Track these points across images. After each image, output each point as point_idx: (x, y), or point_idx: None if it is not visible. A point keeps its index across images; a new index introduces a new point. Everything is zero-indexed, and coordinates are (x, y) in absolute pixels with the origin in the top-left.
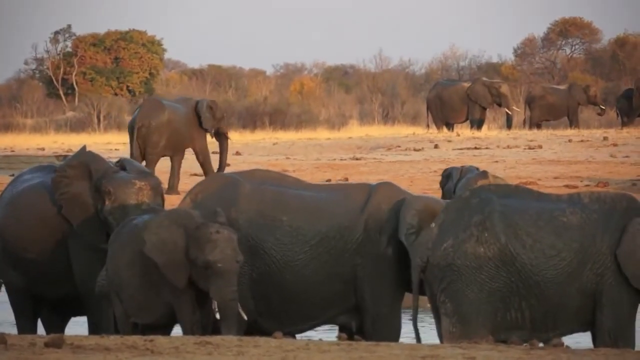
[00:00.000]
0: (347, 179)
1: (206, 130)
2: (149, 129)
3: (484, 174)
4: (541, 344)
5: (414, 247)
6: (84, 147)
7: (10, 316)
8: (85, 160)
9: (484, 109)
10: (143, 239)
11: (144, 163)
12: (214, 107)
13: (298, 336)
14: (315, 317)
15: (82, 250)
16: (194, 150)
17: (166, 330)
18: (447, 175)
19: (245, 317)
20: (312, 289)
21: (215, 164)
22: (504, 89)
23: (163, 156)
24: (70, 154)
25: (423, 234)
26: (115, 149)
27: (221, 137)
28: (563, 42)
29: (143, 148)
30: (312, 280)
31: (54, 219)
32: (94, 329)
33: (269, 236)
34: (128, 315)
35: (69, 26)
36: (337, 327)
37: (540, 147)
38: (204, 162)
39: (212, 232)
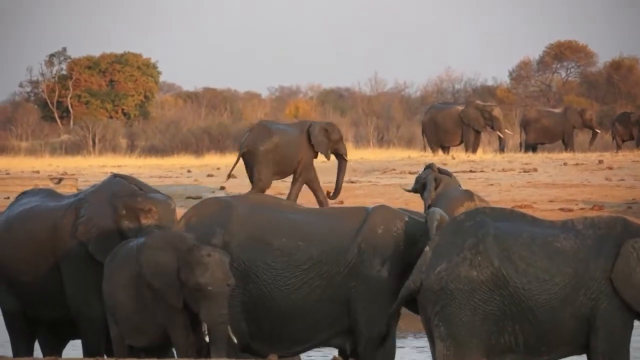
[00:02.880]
0: (342, 202)
1: (318, 153)
2: (254, 154)
3: (470, 195)
4: None
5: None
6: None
7: (7, 337)
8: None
9: (478, 132)
10: (139, 261)
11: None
12: (329, 129)
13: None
14: (307, 340)
15: (74, 272)
16: (295, 170)
17: (162, 352)
18: (423, 185)
19: (236, 340)
20: (303, 312)
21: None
22: (497, 112)
23: (273, 180)
24: (65, 177)
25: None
26: (111, 172)
27: (339, 158)
28: (558, 66)
29: (250, 173)
30: (303, 304)
31: (48, 241)
32: (88, 351)
33: (261, 260)
34: (123, 338)
35: (64, 49)
36: (335, 349)
37: (535, 170)
38: (295, 184)
39: (204, 255)
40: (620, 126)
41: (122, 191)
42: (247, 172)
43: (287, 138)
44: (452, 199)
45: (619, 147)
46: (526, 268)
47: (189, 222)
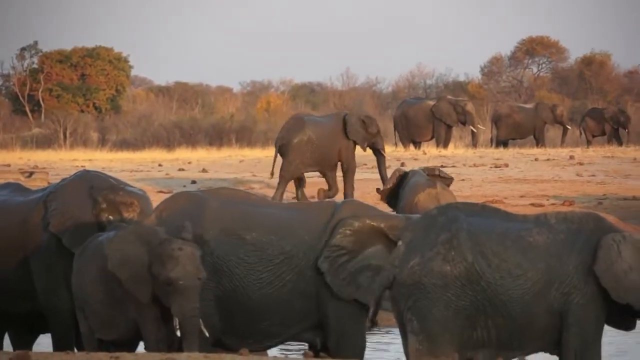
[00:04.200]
0: (313, 197)
1: (356, 144)
2: (287, 146)
3: (431, 182)
4: None
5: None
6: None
7: None
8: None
9: (450, 127)
10: (107, 255)
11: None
12: (367, 121)
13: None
14: (279, 335)
15: (44, 267)
16: (341, 162)
17: (131, 346)
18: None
19: (207, 334)
20: (275, 307)
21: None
22: (469, 107)
23: (306, 172)
24: (36, 170)
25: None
26: (82, 166)
27: (376, 153)
28: (530, 61)
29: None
30: (275, 299)
31: (17, 236)
32: (58, 345)
33: (234, 254)
34: (93, 332)
35: (36, 42)
36: (305, 344)
37: (506, 165)
38: (346, 177)
39: (175, 249)
40: (592, 121)
41: (101, 184)
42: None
43: (321, 130)
44: (414, 186)
45: (588, 143)
46: (499, 263)
47: (161, 216)
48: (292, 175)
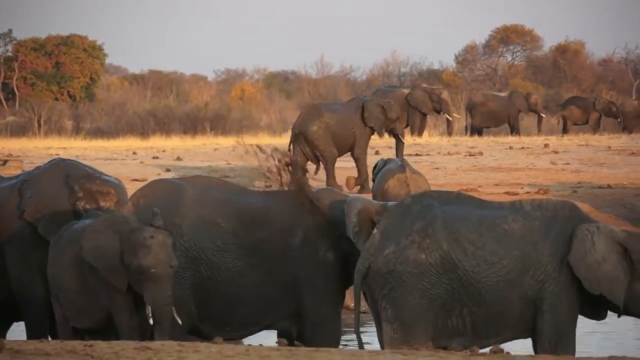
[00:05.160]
0: (287, 186)
1: (374, 130)
2: (306, 135)
3: (402, 168)
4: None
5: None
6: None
7: None
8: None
9: (424, 115)
10: (81, 244)
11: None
12: (386, 107)
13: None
14: (255, 323)
15: (18, 254)
16: (352, 148)
17: (106, 334)
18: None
19: (180, 322)
20: (252, 295)
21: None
22: (445, 95)
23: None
24: (10, 158)
25: (367, 241)
26: (56, 154)
27: (396, 139)
28: (504, 49)
29: (312, 154)
30: (252, 287)
31: None
32: (31, 333)
33: (210, 242)
34: (68, 320)
35: (10, 31)
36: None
37: (480, 154)
38: (358, 163)
39: (146, 237)
40: (577, 110)
41: (78, 173)
42: (299, 154)
43: (338, 117)
44: (385, 172)
45: (566, 131)
46: (474, 251)
47: (137, 204)
48: (335, 158)
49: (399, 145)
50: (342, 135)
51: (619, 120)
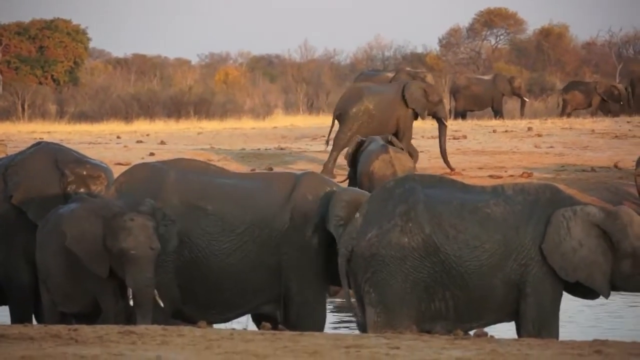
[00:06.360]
0: (271, 169)
1: (416, 114)
2: (344, 116)
3: (384, 148)
4: (465, 334)
5: (343, 238)
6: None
7: None
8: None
9: None
10: (64, 230)
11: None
12: (428, 90)
13: (222, 325)
14: (240, 306)
15: (2, 239)
16: (397, 131)
17: (93, 318)
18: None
19: (163, 305)
20: (237, 278)
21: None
22: (429, 78)
23: None
24: None
25: (349, 225)
26: (40, 138)
27: (439, 122)
28: (488, 33)
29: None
30: (237, 270)
31: None
32: (16, 317)
33: (195, 225)
34: (55, 304)
35: None
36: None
37: (464, 137)
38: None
39: (127, 220)
40: (580, 94)
41: (66, 158)
42: None
43: (379, 99)
44: (369, 153)
45: (568, 115)
46: (456, 235)
47: (121, 188)
48: (345, 145)
49: (442, 128)
50: (382, 118)
51: (621, 103)
